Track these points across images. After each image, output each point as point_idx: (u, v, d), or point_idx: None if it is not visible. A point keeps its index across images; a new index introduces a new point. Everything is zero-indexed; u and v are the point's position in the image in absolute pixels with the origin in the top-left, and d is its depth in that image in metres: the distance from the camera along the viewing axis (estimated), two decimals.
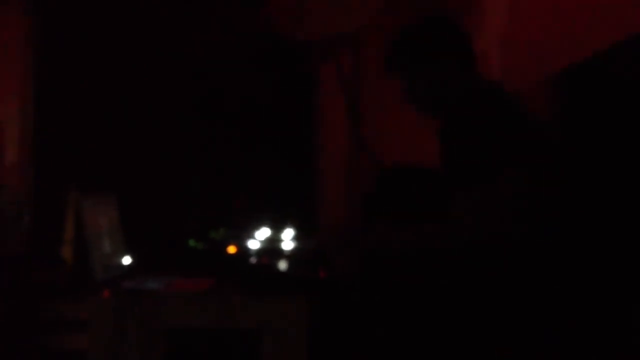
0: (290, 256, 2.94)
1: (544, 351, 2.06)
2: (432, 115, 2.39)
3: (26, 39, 4.47)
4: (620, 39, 2.34)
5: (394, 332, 2.12)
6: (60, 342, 2.71)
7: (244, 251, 2.96)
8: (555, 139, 2.35)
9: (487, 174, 2.05)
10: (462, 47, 2.39)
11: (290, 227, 3.10)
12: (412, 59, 2.37)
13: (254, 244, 3.00)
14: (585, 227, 2.36)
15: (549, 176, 2.18)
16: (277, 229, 3.10)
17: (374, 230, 2.24)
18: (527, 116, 2.24)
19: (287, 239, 3.05)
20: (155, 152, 4.71)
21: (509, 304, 2.06)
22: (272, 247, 3.00)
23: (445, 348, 2.05)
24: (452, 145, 2.17)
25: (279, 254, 2.95)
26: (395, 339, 2.12)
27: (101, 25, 4.66)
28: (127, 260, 2.87)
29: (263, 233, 3.08)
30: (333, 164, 4.54)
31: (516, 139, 2.11)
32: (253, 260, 2.90)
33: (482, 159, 2.06)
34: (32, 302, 2.81)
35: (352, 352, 2.27)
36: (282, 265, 2.77)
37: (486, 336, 2.05)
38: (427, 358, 2.07)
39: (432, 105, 2.38)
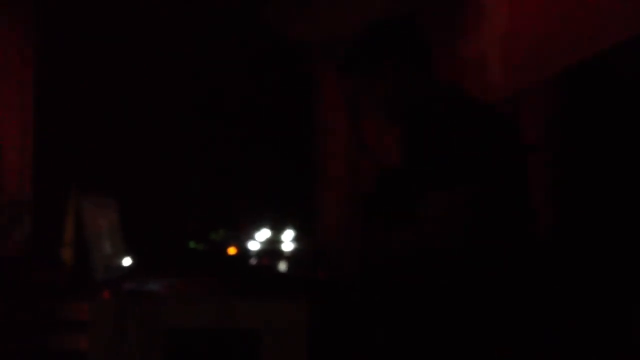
0: (290, 257, 2.93)
1: (544, 351, 2.06)
2: (391, 120, 2.35)
3: (26, 40, 4.47)
4: (621, 39, 2.34)
5: (394, 332, 2.12)
6: (60, 343, 2.71)
7: (244, 252, 2.96)
8: (524, 143, 2.30)
9: (457, 177, 2.03)
10: (417, 51, 2.32)
11: (290, 228, 3.10)
12: (365, 61, 2.32)
13: (254, 245, 3.00)
14: (585, 227, 2.36)
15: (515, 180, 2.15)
16: (277, 230, 3.10)
17: (374, 230, 2.24)
18: (491, 119, 2.20)
19: (287, 240, 3.05)
20: (156, 153, 4.71)
21: (509, 303, 2.06)
22: (272, 248, 3.00)
23: (446, 348, 2.05)
24: (417, 148, 2.15)
25: (279, 255, 2.95)
26: (396, 339, 2.12)
27: (101, 27, 4.66)
28: (127, 261, 2.87)
29: (263, 234, 3.08)
30: (333, 164, 4.54)
31: (483, 142, 2.07)
32: (253, 261, 2.90)
33: (449, 163, 2.04)
34: (32, 302, 2.81)
35: (352, 352, 2.27)
36: (282, 266, 2.77)
37: (486, 336, 2.05)
38: (427, 358, 2.07)
39: (389, 110, 2.34)
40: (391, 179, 2.19)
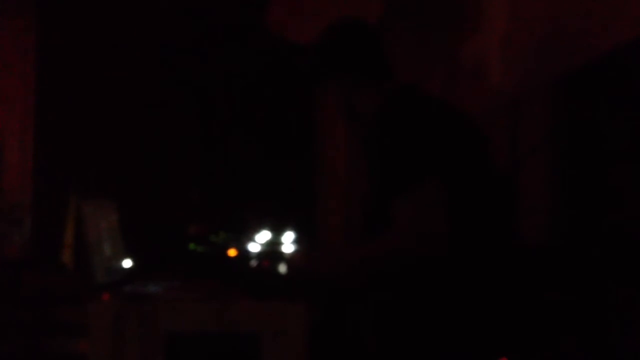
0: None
1: (544, 354, 2.05)
2: (352, 125, 2.36)
3: (28, 43, 4.48)
4: (624, 41, 2.33)
5: (393, 335, 2.12)
6: (60, 345, 2.71)
7: (244, 254, 2.96)
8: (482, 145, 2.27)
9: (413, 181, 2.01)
10: (374, 57, 2.32)
11: (291, 230, 3.09)
12: (325, 69, 2.34)
13: (254, 247, 2.99)
14: (584, 229, 2.35)
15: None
16: (278, 232, 3.09)
17: (373, 232, 2.23)
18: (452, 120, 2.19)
19: (288, 242, 3.04)
20: (156, 155, 4.71)
21: (506, 308, 2.06)
22: (272, 250, 2.99)
23: (445, 350, 2.05)
24: (376, 153, 2.15)
25: (280, 257, 2.94)
26: (395, 342, 2.11)
27: (103, 30, 4.67)
28: (127, 263, 2.87)
29: (264, 236, 3.08)
30: (333, 166, 4.54)
31: (439, 145, 2.05)
32: (254, 263, 2.90)
33: (406, 167, 2.03)
34: (32, 305, 2.81)
35: (352, 354, 2.26)
36: (283, 268, 2.77)
37: (485, 339, 2.04)
38: None
39: (350, 116, 2.36)
40: (389, 182, 2.19)
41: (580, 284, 2.31)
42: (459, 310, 2.03)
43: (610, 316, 2.20)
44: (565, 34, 2.79)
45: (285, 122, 4.83)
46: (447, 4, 3.93)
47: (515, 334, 2.04)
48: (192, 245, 3.03)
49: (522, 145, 3.12)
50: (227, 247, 2.96)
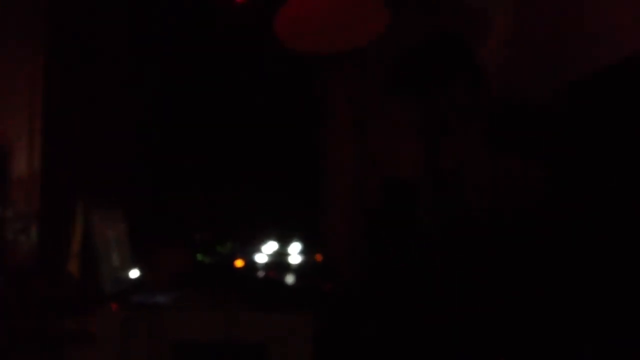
0: (297, 270, 2.94)
1: (546, 354, 2.06)
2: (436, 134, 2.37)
3: (34, 52, 4.50)
4: (629, 50, 2.34)
5: (397, 344, 2.12)
6: (68, 355, 2.72)
7: (251, 265, 2.97)
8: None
9: None
10: (469, 67, 2.36)
11: (297, 240, 3.10)
12: (418, 80, 2.36)
13: (261, 258, 3.01)
14: (584, 229, 2.36)
15: None
16: (284, 242, 3.10)
17: (378, 243, 2.24)
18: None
19: (294, 253, 3.05)
20: (163, 165, 4.72)
21: (508, 313, 2.06)
22: (279, 260, 3.00)
23: (450, 357, 2.05)
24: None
25: (286, 267, 2.95)
26: (399, 351, 2.12)
27: (109, 38, 4.69)
28: (134, 273, 2.88)
29: (270, 247, 3.09)
30: (339, 177, 4.54)
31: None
32: (260, 274, 2.91)
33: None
34: (40, 316, 2.82)
35: None
36: (289, 278, 2.78)
37: (489, 344, 2.05)
38: None
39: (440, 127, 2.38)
40: (396, 192, 2.20)
41: (575, 284, 2.31)
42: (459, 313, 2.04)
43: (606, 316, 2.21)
44: (568, 44, 2.80)
45: (292, 130, 4.85)
46: (452, 10, 3.95)
47: (512, 334, 2.05)
48: (199, 256, 3.04)
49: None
50: (234, 258, 2.97)
